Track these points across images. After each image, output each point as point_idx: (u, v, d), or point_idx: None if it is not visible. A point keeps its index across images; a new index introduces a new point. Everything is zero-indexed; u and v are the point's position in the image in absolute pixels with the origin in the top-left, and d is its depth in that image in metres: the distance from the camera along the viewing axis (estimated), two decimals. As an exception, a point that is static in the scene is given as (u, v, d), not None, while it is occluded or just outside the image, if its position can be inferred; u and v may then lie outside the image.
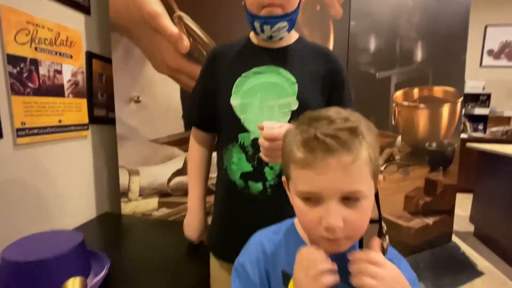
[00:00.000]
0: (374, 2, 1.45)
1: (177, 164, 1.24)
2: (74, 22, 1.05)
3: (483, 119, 3.36)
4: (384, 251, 0.41)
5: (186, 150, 1.24)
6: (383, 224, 0.42)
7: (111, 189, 1.27)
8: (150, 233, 1.05)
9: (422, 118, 1.72)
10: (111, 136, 1.22)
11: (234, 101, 0.64)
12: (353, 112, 0.40)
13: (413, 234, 1.80)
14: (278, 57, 0.65)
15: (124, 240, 1.01)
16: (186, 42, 1.13)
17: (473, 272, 1.77)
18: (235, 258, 0.50)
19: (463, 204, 2.60)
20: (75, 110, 1.05)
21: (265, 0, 0.58)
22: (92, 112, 1.15)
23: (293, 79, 0.63)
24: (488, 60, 3.48)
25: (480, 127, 3.37)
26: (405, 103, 1.65)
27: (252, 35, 0.69)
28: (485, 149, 2.10)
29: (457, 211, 2.03)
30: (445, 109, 1.76)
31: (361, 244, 0.42)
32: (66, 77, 1.00)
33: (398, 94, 1.61)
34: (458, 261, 1.86)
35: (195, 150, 0.78)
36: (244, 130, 0.63)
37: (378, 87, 1.53)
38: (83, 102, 1.10)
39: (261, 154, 0.56)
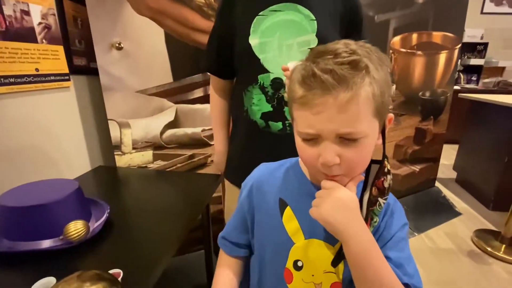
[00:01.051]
0: None
1: (168, 116, 1.21)
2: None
3: (477, 70, 3.33)
4: (385, 190, 0.41)
5: (176, 102, 1.20)
6: (386, 163, 0.42)
7: (103, 143, 1.25)
8: (147, 182, 1.06)
9: (418, 65, 1.68)
10: (96, 88, 1.15)
11: (253, 40, 0.63)
12: (365, 44, 0.38)
13: (400, 181, 1.90)
14: None
15: (121, 189, 1.02)
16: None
17: (452, 212, 1.92)
18: None
19: (449, 155, 2.71)
20: (52, 57, 0.97)
21: None
22: (72, 61, 1.07)
23: (312, 16, 0.62)
24: (489, 7, 3.31)
25: (474, 78, 3.35)
26: (402, 49, 1.59)
27: None
28: (476, 98, 2.12)
29: (442, 160, 2.13)
30: (442, 56, 1.72)
31: (366, 185, 0.43)
32: (35, 19, 0.90)
33: (396, 40, 1.54)
34: (439, 203, 2.01)
35: (215, 98, 0.81)
36: (264, 70, 0.64)
37: (376, 32, 1.45)
38: (60, 49, 1.01)
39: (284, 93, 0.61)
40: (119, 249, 0.64)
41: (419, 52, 1.65)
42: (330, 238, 0.44)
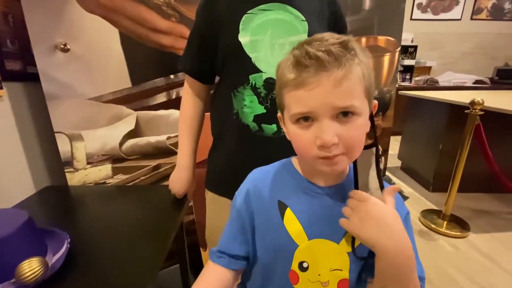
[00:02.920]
0: None
1: (128, 125, 1.10)
2: None
3: (410, 69, 3.78)
4: (381, 172, 0.43)
5: (136, 109, 1.10)
6: (380, 147, 0.44)
7: (49, 159, 1.08)
8: (108, 201, 0.95)
9: (367, 67, 1.84)
10: (37, 96, 0.99)
11: (243, 38, 0.60)
12: (348, 35, 0.40)
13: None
14: None
15: (78, 212, 0.90)
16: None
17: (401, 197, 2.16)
18: None
19: (393, 145, 3.03)
20: (-23, 62, 0.80)
21: None
22: (3, 66, 0.90)
23: (302, 16, 0.62)
24: (417, 14, 3.80)
25: (407, 77, 3.81)
26: (354, 52, 1.72)
27: None
28: (412, 95, 2.41)
29: (389, 151, 2.36)
30: (387, 58, 1.91)
31: (356, 170, 0.43)
32: (-49, 15, 0.74)
33: (349, 43, 1.66)
34: (390, 191, 2.24)
35: (189, 102, 0.74)
36: (256, 70, 0.61)
37: (332, 36, 1.55)
38: (-14, 51, 0.84)
39: None
40: (87, 286, 0.55)
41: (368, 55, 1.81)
42: (333, 236, 0.44)
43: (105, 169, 1.08)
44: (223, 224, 0.53)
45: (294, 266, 0.46)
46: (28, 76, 0.98)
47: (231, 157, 0.69)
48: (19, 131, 0.97)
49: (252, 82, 0.62)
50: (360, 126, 0.38)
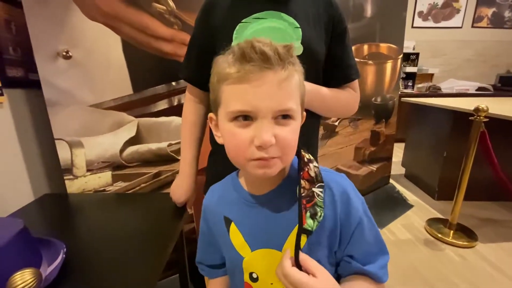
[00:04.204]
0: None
1: (129, 132, 1.09)
2: None
3: (412, 76, 3.78)
4: (313, 179, 0.41)
5: (137, 115, 1.10)
6: (303, 154, 0.43)
7: (49, 166, 1.07)
8: (107, 209, 0.93)
9: (370, 73, 1.83)
10: (38, 103, 0.99)
11: None
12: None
13: (361, 181, 2.03)
14: (278, 2, 0.62)
15: (76, 221, 0.88)
16: (123, -17, 0.92)
17: (405, 205, 2.12)
18: None
19: (396, 153, 3.00)
20: (-22, 68, 0.80)
21: None
22: (5, 72, 0.89)
23: (296, 23, 0.61)
24: (418, 22, 3.82)
25: (410, 83, 3.80)
26: (356, 59, 1.71)
27: None
28: (415, 102, 2.39)
29: (393, 158, 2.34)
30: (389, 65, 1.91)
31: (300, 167, 0.42)
32: (-47, 22, 0.74)
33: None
34: (394, 198, 2.20)
35: (190, 109, 0.74)
36: None
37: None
38: (-12, 58, 0.84)
39: None
40: (84, 297, 0.53)
41: (370, 62, 1.81)
42: (275, 244, 0.43)
43: (105, 177, 1.07)
44: None
45: (246, 277, 0.47)
46: (30, 82, 0.98)
47: (229, 165, 0.67)
48: (19, 138, 0.96)
49: None
50: (296, 130, 0.38)
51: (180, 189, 0.78)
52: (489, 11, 3.85)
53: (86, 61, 0.96)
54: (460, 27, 3.90)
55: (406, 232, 1.79)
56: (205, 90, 0.72)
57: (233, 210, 0.47)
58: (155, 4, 0.99)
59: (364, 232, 0.42)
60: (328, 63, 0.66)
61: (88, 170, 1.04)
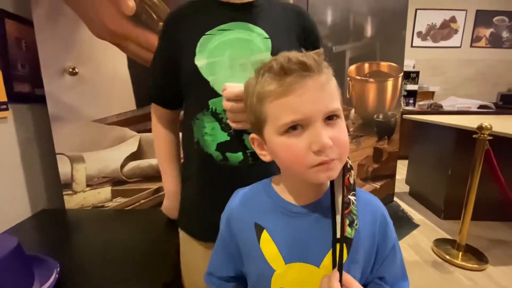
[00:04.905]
0: (330, -27, 1.44)
1: (130, 147, 1.09)
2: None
3: (413, 94, 3.81)
4: (351, 186, 0.41)
5: (139, 131, 1.10)
6: (347, 159, 0.42)
7: (49, 181, 1.07)
8: (105, 225, 0.92)
9: (371, 91, 1.84)
10: (41, 118, 1.00)
11: (200, 61, 0.56)
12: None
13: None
14: (245, 12, 0.59)
15: (73, 238, 0.86)
16: (131, 2, 0.96)
17: (411, 225, 2.06)
18: (215, 235, 0.50)
19: (400, 170, 2.97)
20: (-14, 84, 0.82)
21: None
22: (12, 88, 0.91)
23: (265, 34, 0.58)
24: (417, 41, 3.91)
25: (411, 101, 3.83)
26: (358, 77, 1.75)
27: None
28: (417, 119, 2.39)
29: (396, 176, 2.31)
30: (390, 83, 1.93)
31: (333, 189, 0.41)
32: (-34, 40, 0.76)
33: (352, 68, 1.69)
34: (399, 217, 2.14)
35: (161, 131, 0.69)
36: (215, 94, 0.56)
37: (335, 61, 1.57)
38: (-3, 74, 0.86)
39: (228, 120, 0.53)
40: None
41: (371, 80, 1.83)
42: (313, 259, 0.41)
43: (105, 192, 1.06)
44: (200, 265, 0.51)
45: None
46: (35, 98, 1.00)
47: (196, 192, 0.63)
48: (20, 153, 0.96)
49: (212, 108, 0.57)
50: (345, 129, 0.39)
51: (171, 210, 0.74)
52: (487, 32, 3.94)
53: (92, 77, 0.97)
54: (459, 47, 3.97)
55: (413, 254, 1.72)
56: (172, 108, 0.68)
57: (267, 218, 0.44)
58: (162, 24, 1.02)
59: (396, 255, 0.43)
60: None
61: (87, 186, 1.03)
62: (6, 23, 0.90)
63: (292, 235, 0.42)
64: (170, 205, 0.74)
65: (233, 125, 0.53)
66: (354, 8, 1.60)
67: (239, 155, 0.57)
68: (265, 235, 0.43)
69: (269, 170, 0.53)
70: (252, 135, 0.44)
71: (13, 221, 0.87)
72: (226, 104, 0.52)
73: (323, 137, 0.35)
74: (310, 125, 0.36)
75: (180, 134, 0.70)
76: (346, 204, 0.39)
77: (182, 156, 0.69)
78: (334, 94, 0.38)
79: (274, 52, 0.57)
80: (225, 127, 0.57)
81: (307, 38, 0.62)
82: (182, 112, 0.68)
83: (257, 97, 0.39)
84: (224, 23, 0.57)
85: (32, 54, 0.95)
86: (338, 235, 0.38)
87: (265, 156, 0.43)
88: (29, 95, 0.99)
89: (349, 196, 0.40)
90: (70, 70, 0.94)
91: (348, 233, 0.37)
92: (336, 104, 0.37)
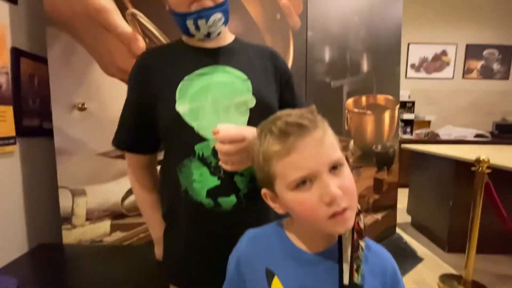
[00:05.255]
0: (328, 15, 1.54)
1: (132, 180, 1.10)
2: (-5, 12, 0.85)
3: (410, 123, 3.89)
4: (362, 231, 0.41)
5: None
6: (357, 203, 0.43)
7: (49, 215, 1.06)
8: (102, 262, 0.89)
9: (369, 123, 1.89)
10: (47, 151, 1.01)
11: (182, 107, 0.54)
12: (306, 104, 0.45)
13: (366, 231, 1.96)
14: (221, 56, 0.59)
15: (70, 275, 0.84)
16: (141, 43, 1.01)
17: (415, 258, 2.00)
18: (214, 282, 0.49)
19: (400, 198, 2.94)
20: (-3, 120, 0.84)
21: None
22: (21, 122, 0.94)
23: (244, 76, 0.58)
24: (411, 73, 4.08)
25: (408, 129, 3.90)
26: (355, 109, 1.80)
27: (185, 37, 0.61)
28: (415, 149, 2.42)
29: (397, 205, 2.28)
30: (387, 115, 1.98)
31: (340, 243, 0.42)
32: (-17, 79, 0.80)
33: (350, 101, 1.75)
34: (402, 250, 2.09)
35: (140, 177, 0.64)
36: (201, 139, 0.54)
37: (333, 95, 1.63)
38: (8, 110, 0.89)
39: (221, 163, 0.51)
40: None
41: (369, 112, 1.88)
42: None
43: (104, 226, 1.04)
44: None
45: None
46: (43, 131, 1.02)
47: (188, 243, 0.59)
48: (23, 187, 0.96)
49: (198, 153, 0.55)
50: (350, 175, 0.40)
51: None
52: (478, 64, 4.12)
53: (100, 112, 1.01)
54: (452, 78, 4.13)
55: (419, 290, 1.66)
56: (149, 153, 0.64)
57: (278, 264, 0.44)
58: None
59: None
60: (281, 109, 0.63)
61: (87, 219, 1.02)
62: (21, 62, 0.94)
63: (303, 282, 0.42)
64: (160, 252, 0.67)
65: (226, 167, 0.52)
66: (350, 46, 1.70)
67: (232, 199, 0.55)
68: (276, 281, 0.43)
69: (265, 211, 0.53)
70: (264, 191, 0.45)
71: (11, 255, 0.85)
72: (222, 147, 0.50)
73: (332, 187, 0.37)
74: (318, 178, 0.38)
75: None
76: (355, 248, 0.40)
77: (163, 205, 0.63)
78: (333, 145, 0.40)
79: (254, 93, 0.57)
80: (214, 171, 0.55)
81: (282, 77, 0.64)
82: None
83: (263, 157, 0.42)
84: (202, 67, 0.57)
85: (44, 90, 0.99)
86: (346, 282, 0.38)
87: (279, 209, 0.44)
88: (37, 128, 1.02)
89: (360, 241, 0.40)
90: (80, 106, 0.97)
91: (356, 278, 0.38)
92: (337, 153, 0.39)
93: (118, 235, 1.06)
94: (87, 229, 1.01)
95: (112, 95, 1.02)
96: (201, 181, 0.54)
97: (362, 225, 0.41)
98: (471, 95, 4.18)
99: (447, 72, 4.12)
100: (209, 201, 0.54)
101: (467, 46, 4.07)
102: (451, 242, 2.04)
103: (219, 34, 0.59)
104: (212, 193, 0.54)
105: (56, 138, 0.96)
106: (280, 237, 0.46)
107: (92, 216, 1.02)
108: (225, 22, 0.58)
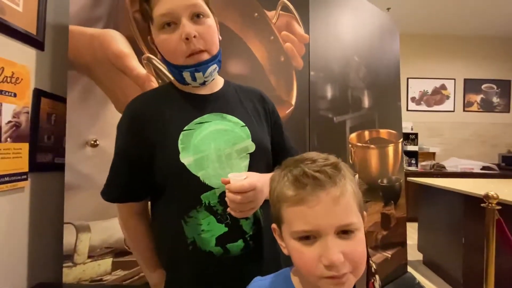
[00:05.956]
0: (329, 56, 1.64)
1: (137, 215, 1.09)
2: (23, 57, 0.93)
3: (414, 154, 3.88)
4: None
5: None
6: (371, 262, 0.42)
7: (52, 252, 1.04)
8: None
9: (373, 156, 1.90)
10: (57, 186, 1.03)
11: (186, 159, 0.54)
12: (329, 154, 0.43)
13: (376, 270, 1.86)
14: (216, 103, 0.60)
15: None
16: (155, 84, 1.08)
17: (430, 301, 1.87)
18: None
19: (410, 234, 2.83)
20: (13, 157, 0.88)
21: (187, 50, 0.53)
22: (35, 158, 0.97)
23: (241, 122, 0.60)
24: (412, 106, 4.17)
25: (413, 161, 3.87)
26: (359, 144, 1.82)
27: (176, 82, 0.62)
28: (423, 183, 2.39)
29: (407, 241, 2.20)
30: (391, 149, 2.00)
31: None
32: (5, 118, 0.85)
33: (353, 136, 1.78)
34: (415, 292, 1.96)
35: (134, 224, 0.63)
36: (207, 188, 0.55)
37: (336, 130, 1.67)
38: (24, 147, 0.93)
39: (230, 210, 0.51)
40: None
41: (372, 146, 1.90)
42: None
43: (105, 264, 1.02)
44: None
45: None
46: (54, 166, 1.05)
47: None
48: (29, 223, 0.97)
49: (205, 202, 0.54)
50: (361, 241, 0.38)
51: None
52: (477, 97, 4.21)
53: (111, 149, 1.03)
54: (453, 111, 4.20)
55: (436, 338, 1.52)
56: (142, 199, 0.62)
57: None
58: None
59: None
60: (272, 150, 0.65)
61: (89, 257, 1.00)
62: (42, 101, 1.01)
63: None
64: None
65: (236, 214, 0.51)
66: (351, 84, 1.77)
67: (240, 243, 0.55)
68: None
69: (272, 252, 0.53)
70: (274, 226, 0.45)
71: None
72: (234, 198, 0.49)
73: (332, 253, 0.35)
74: (322, 237, 0.37)
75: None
76: None
77: (162, 258, 0.62)
78: (348, 207, 0.38)
79: (254, 139, 0.59)
80: (221, 219, 0.55)
81: (271, 117, 0.67)
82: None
83: (277, 196, 0.42)
84: (199, 116, 0.57)
85: (59, 127, 1.04)
86: None
87: (284, 249, 0.44)
88: (49, 164, 1.05)
89: None
90: (92, 142, 1.01)
91: None
92: (350, 218, 0.38)
93: (119, 273, 1.03)
94: (88, 267, 0.99)
95: (123, 132, 1.06)
96: (209, 230, 0.54)
97: (377, 286, 0.41)
98: (473, 127, 4.21)
99: (448, 105, 4.20)
100: (218, 249, 0.54)
101: (465, 80, 4.20)
102: (466, 283, 1.92)
103: (212, 80, 0.61)
104: (221, 240, 0.54)
105: (67, 173, 0.98)
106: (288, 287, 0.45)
107: (94, 253, 1.00)
108: (219, 70, 0.61)
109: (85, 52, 1.02)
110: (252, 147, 0.58)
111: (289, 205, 0.39)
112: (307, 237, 0.38)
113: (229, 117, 0.59)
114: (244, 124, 0.60)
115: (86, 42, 1.02)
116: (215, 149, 0.56)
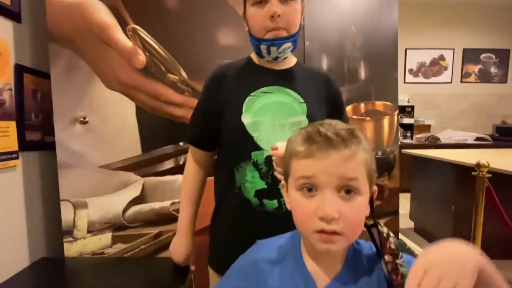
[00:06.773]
0: (324, 25, 1.57)
1: (133, 192, 1.10)
2: (0, 31, 0.87)
3: (410, 127, 3.90)
4: (395, 251, 0.41)
5: (144, 175, 1.12)
6: (381, 228, 0.43)
7: (50, 228, 1.06)
8: (104, 274, 0.89)
9: (368, 129, 1.90)
10: (49, 165, 1.02)
11: (246, 119, 0.65)
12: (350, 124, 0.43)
13: (368, 238, 1.94)
14: (283, 78, 0.68)
15: (71, 290, 0.84)
16: (142, 57, 1.04)
17: (419, 265, 1.98)
18: None
19: (403, 204, 2.92)
20: (1, 135, 0.86)
21: (270, 25, 0.61)
22: (24, 137, 0.95)
23: (301, 99, 0.67)
24: (409, 78, 4.11)
25: (408, 134, 3.90)
26: (354, 116, 1.82)
27: (254, 56, 0.71)
28: (416, 154, 2.42)
29: (399, 210, 2.27)
30: (386, 121, 1.99)
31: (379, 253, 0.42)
32: (-13, 96, 0.82)
33: (349, 108, 1.76)
34: (406, 256, 2.07)
35: (192, 170, 0.76)
36: (257, 148, 0.64)
37: (332, 103, 1.65)
38: (11, 125, 0.90)
39: (277, 174, 0.58)
40: None
41: (368, 118, 1.89)
42: None
43: (105, 238, 1.04)
44: None
45: None
46: (45, 145, 1.03)
47: (233, 233, 0.68)
48: (25, 201, 0.97)
49: (254, 159, 0.65)
50: (361, 206, 0.38)
51: (179, 248, 0.76)
52: (475, 68, 4.15)
53: (101, 125, 1.02)
54: (450, 82, 4.16)
55: (423, 297, 1.63)
56: (208, 150, 0.75)
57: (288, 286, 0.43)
58: (169, 75, 1.10)
59: None
60: None
61: (88, 232, 1.02)
62: (25, 78, 0.96)
63: None
64: (177, 244, 0.76)
65: (280, 177, 0.56)
66: (347, 55, 1.72)
67: (275, 202, 0.64)
68: None
69: None
70: (283, 182, 0.47)
71: (12, 269, 0.85)
72: (279, 162, 0.56)
73: (329, 206, 0.36)
74: (322, 191, 0.37)
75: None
76: (395, 271, 0.39)
77: (216, 193, 0.73)
78: (355, 169, 0.38)
79: (308, 115, 0.65)
80: (263, 177, 0.64)
81: (334, 103, 0.72)
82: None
83: (288, 152, 0.43)
84: (266, 86, 0.66)
85: (46, 104, 1.01)
86: None
87: (288, 204, 0.45)
88: (39, 142, 1.03)
89: (397, 261, 0.40)
90: (81, 119, 0.99)
91: None
92: (355, 176, 0.37)
93: (119, 247, 1.06)
94: (89, 241, 1.01)
95: (113, 108, 1.03)
96: (252, 182, 0.65)
97: (393, 246, 0.41)
98: (470, 98, 4.20)
99: (445, 76, 4.15)
100: (255, 200, 0.65)
101: (464, 50, 4.11)
102: (455, 248, 2.02)
103: (284, 59, 0.68)
104: (259, 194, 0.64)
105: (58, 151, 0.97)
106: (295, 257, 0.45)
107: (93, 229, 1.02)
108: (292, 50, 0.67)
109: (65, 23, 0.96)
110: (305, 123, 0.65)
111: (298, 159, 0.40)
112: (309, 189, 0.38)
113: (291, 92, 0.67)
114: (303, 101, 0.66)
115: (65, 12, 0.96)
116: (272, 118, 0.65)
